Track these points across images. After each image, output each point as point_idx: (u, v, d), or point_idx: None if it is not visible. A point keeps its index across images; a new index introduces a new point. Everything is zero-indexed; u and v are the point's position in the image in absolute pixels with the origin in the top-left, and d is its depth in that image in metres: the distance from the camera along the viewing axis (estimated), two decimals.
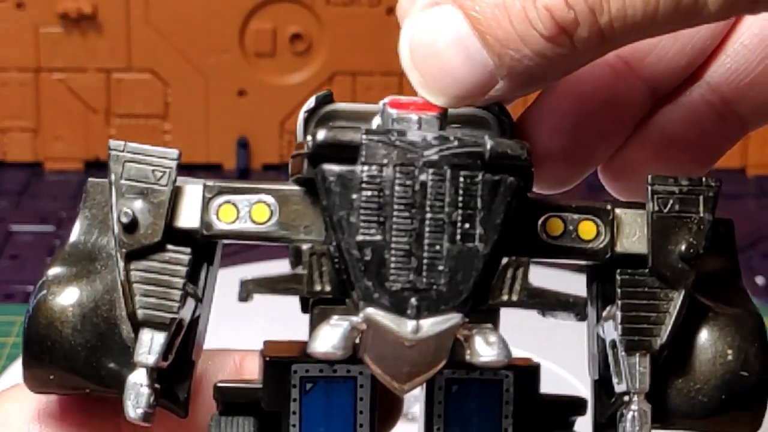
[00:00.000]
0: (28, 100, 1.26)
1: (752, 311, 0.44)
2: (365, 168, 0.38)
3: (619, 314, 0.41)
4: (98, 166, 1.26)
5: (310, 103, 0.43)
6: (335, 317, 0.38)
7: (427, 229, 0.38)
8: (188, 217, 0.41)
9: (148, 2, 1.25)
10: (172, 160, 0.41)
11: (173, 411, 0.42)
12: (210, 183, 0.41)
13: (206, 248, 0.42)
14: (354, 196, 0.38)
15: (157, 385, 0.41)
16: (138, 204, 0.41)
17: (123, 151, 0.41)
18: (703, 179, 0.42)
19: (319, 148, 0.39)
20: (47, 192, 1.24)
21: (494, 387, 0.43)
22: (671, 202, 0.42)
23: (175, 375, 0.42)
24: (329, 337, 0.38)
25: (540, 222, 0.41)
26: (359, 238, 0.38)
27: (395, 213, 0.38)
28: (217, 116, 1.28)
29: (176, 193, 0.41)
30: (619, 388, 0.42)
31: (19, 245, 1.16)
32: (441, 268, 0.38)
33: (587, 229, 0.42)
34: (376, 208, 0.38)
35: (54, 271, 0.42)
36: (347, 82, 1.28)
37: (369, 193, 0.38)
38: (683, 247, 0.41)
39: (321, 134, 0.39)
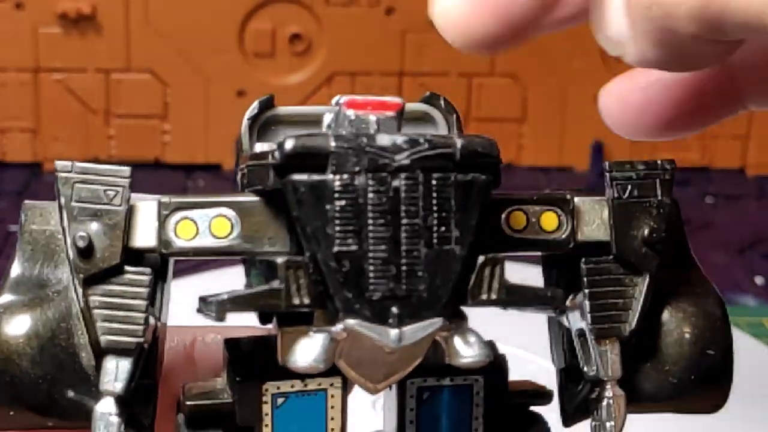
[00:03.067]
0: (28, 100, 1.26)
1: (710, 289, 0.44)
2: (337, 177, 0.37)
3: (587, 303, 0.41)
4: None
5: (253, 109, 0.42)
6: (313, 329, 0.38)
7: (403, 235, 0.37)
8: (144, 237, 0.40)
9: (148, 2, 1.24)
10: (124, 178, 0.40)
11: None
12: (165, 200, 0.40)
13: (159, 266, 0.41)
14: (328, 206, 0.37)
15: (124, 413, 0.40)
16: (92, 226, 0.39)
17: (71, 172, 0.40)
18: (659, 162, 0.42)
19: (288, 158, 0.37)
20: (47, 192, 1.24)
21: (465, 391, 0.43)
22: (630, 187, 0.42)
23: (137, 399, 0.41)
24: (310, 351, 0.37)
25: (503, 216, 0.41)
26: (336, 249, 0.37)
27: (370, 221, 0.37)
28: (216, 116, 1.28)
29: (130, 212, 0.40)
30: (589, 374, 0.42)
31: None
32: (420, 273, 0.38)
33: (549, 220, 0.42)
34: (351, 217, 0.37)
35: (3, 299, 0.41)
36: (346, 82, 1.28)
37: (343, 202, 0.37)
38: (646, 232, 0.41)
39: (289, 143, 0.37)
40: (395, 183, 0.37)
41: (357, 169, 0.37)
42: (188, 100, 1.27)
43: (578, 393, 0.43)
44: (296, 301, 0.38)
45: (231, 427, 0.41)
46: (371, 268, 0.37)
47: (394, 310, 0.37)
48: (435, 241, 0.38)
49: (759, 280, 1.09)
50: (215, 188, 1.25)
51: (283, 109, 0.42)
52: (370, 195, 0.37)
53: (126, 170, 0.40)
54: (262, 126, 0.42)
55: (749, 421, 0.80)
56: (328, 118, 0.40)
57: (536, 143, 1.30)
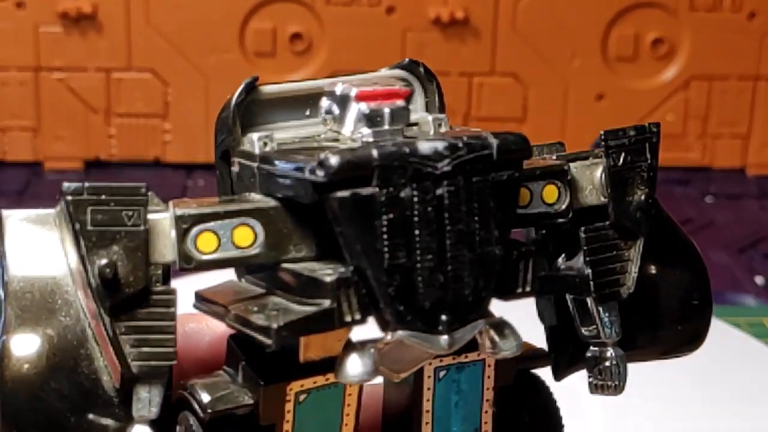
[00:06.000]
0: (28, 99, 1.26)
1: (686, 241, 0.45)
2: (383, 191, 0.37)
3: (589, 271, 0.42)
4: (98, 166, 1.26)
5: (241, 94, 0.41)
6: (359, 342, 0.38)
7: (448, 242, 0.37)
8: (161, 251, 0.38)
9: (148, 2, 1.24)
10: (142, 196, 0.37)
11: None
12: (180, 212, 0.38)
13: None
14: (375, 222, 0.36)
15: None
16: (113, 251, 0.37)
17: (83, 195, 0.37)
18: (646, 126, 0.43)
19: (334, 175, 0.36)
20: (47, 192, 1.24)
21: (477, 365, 0.44)
22: (623, 154, 0.42)
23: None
24: (361, 364, 0.37)
25: None
26: (386, 264, 0.37)
27: (418, 233, 0.37)
28: (216, 116, 1.28)
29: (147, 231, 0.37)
30: (587, 335, 0.43)
31: None
32: (465, 279, 0.38)
33: (550, 193, 0.42)
34: (400, 230, 0.37)
35: (17, 335, 0.37)
36: None
37: (390, 215, 0.37)
38: (642, 198, 0.42)
39: (333, 160, 0.36)
40: (438, 191, 0.37)
41: (402, 181, 0.37)
42: (189, 100, 1.28)
43: (568, 349, 0.44)
44: (348, 319, 0.37)
45: (249, 426, 0.41)
46: (420, 279, 0.37)
47: (443, 317, 0.37)
48: (477, 244, 0.38)
49: (759, 279, 1.09)
50: (216, 187, 1.25)
51: (266, 89, 0.41)
52: (416, 206, 0.37)
53: (142, 186, 0.37)
54: (246, 110, 0.42)
55: (750, 421, 0.80)
56: (326, 104, 0.40)
57: (536, 143, 1.30)
